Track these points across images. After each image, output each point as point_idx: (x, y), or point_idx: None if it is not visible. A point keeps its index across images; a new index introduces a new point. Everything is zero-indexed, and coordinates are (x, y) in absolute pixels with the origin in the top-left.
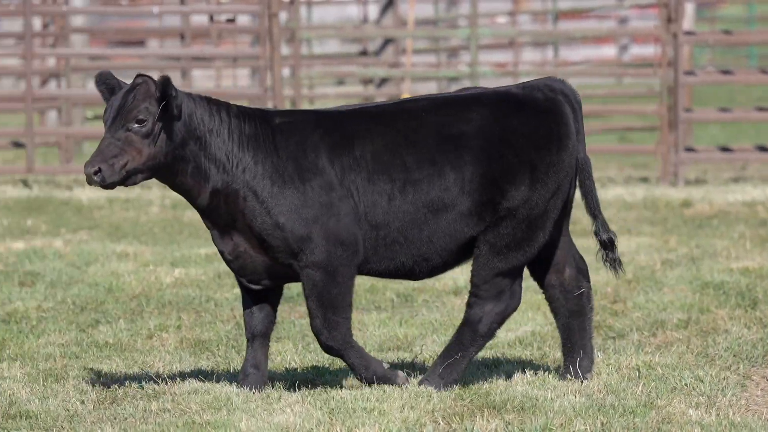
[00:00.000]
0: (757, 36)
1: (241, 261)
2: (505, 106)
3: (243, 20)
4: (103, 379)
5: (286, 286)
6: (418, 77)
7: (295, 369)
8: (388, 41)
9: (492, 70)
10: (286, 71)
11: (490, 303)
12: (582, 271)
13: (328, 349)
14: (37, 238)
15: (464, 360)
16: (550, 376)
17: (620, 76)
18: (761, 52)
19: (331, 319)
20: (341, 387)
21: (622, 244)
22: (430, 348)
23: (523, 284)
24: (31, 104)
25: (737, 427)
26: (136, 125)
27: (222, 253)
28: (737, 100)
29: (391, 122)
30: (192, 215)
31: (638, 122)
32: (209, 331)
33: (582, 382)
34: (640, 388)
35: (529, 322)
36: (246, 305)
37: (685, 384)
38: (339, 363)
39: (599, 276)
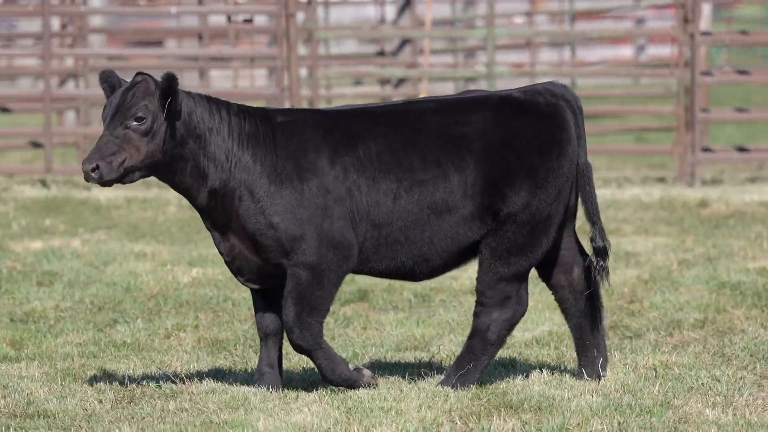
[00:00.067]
0: None
1: (238, 262)
2: (508, 110)
3: (260, 20)
4: (120, 379)
5: None
6: (436, 77)
7: (312, 368)
8: (405, 41)
9: (509, 71)
10: (303, 71)
11: (497, 310)
12: (588, 269)
13: (297, 348)
14: (55, 237)
15: (477, 369)
16: (567, 375)
17: (637, 76)
18: None
19: (305, 320)
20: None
21: (639, 244)
22: (448, 348)
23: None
24: (49, 104)
25: (754, 427)
26: (135, 123)
27: (222, 255)
28: (754, 101)
29: (394, 123)
30: None
31: (655, 122)
32: (227, 331)
33: (599, 381)
34: (656, 388)
35: (546, 322)
36: (256, 305)
37: (702, 384)
38: (356, 363)
39: (616, 276)
